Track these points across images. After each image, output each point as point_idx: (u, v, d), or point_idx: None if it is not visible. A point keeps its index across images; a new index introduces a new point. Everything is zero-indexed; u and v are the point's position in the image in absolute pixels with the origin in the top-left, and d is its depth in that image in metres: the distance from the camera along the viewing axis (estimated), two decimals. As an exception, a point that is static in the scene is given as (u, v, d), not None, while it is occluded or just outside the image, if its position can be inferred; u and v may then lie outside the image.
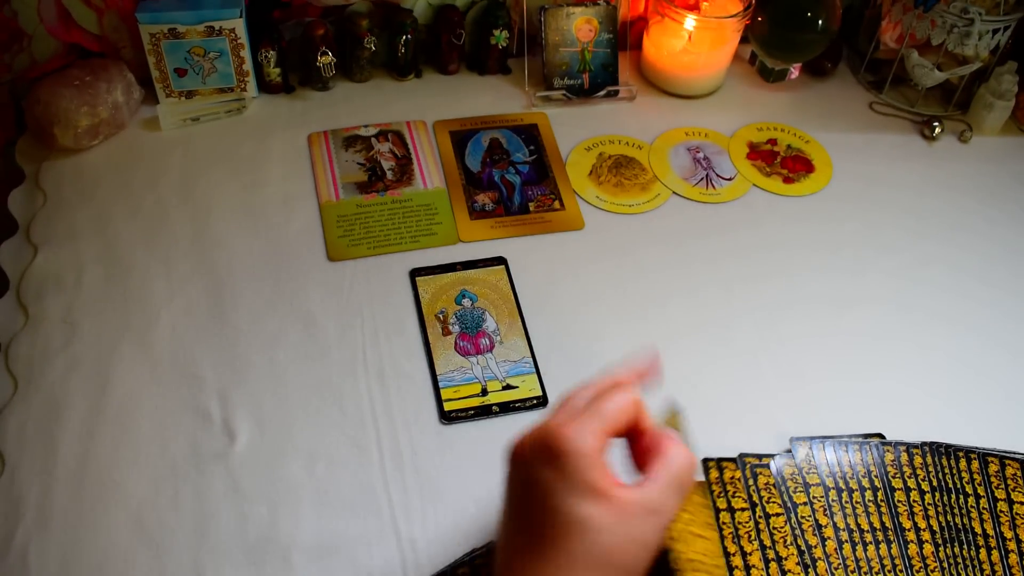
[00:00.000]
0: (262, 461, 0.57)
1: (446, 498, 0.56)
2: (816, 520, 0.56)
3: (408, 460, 0.58)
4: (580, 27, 0.84)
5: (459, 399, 0.62)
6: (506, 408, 0.62)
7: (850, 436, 0.61)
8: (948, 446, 0.61)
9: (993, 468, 0.60)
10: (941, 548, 0.56)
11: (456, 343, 0.65)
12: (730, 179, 0.80)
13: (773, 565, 0.54)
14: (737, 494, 0.56)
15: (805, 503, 0.57)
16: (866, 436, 0.61)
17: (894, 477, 0.59)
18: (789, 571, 0.54)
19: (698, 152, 0.82)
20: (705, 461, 0.58)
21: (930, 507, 0.58)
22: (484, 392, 0.62)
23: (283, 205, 0.73)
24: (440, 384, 0.62)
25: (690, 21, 0.82)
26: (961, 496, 0.59)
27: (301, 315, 0.65)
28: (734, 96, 0.89)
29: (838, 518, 0.57)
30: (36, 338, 0.62)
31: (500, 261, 0.70)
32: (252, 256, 0.69)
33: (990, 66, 0.86)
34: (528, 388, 0.63)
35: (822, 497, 0.57)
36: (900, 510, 0.58)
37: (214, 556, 0.53)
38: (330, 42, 0.80)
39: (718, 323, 0.68)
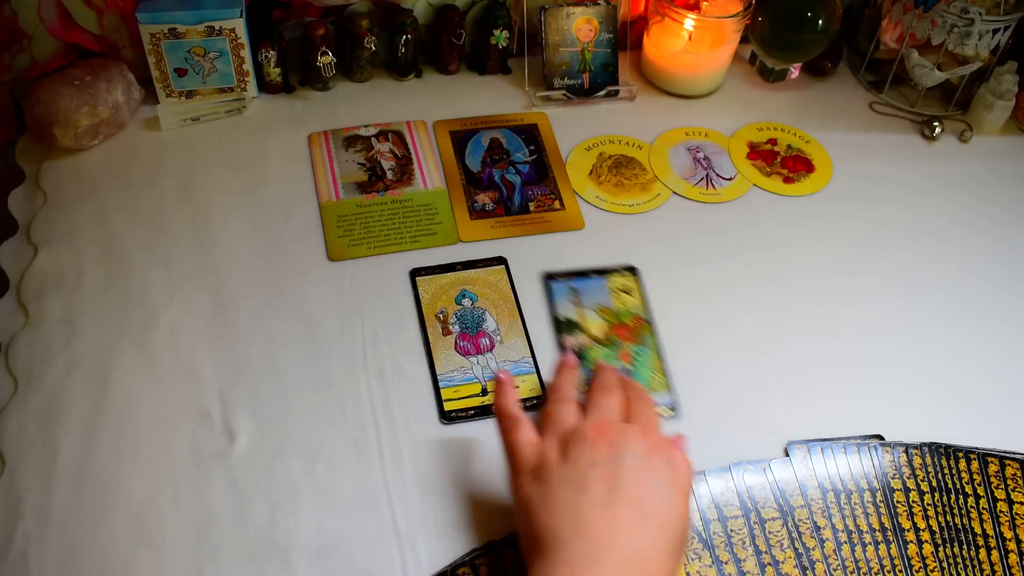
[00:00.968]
0: (262, 461, 0.57)
1: (446, 498, 0.56)
2: (814, 522, 0.57)
3: (408, 460, 0.58)
4: (580, 27, 0.84)
5: (459, 399, 0.62)
6: None
7: (848, 437, 0.61)
8: (948, 446, 0.61)
9: (993, 468, 0.60)
10: (941, 548, 0.56)
11: (456, 343, 0.65)
12: (730, 179, 0.80)
13: (770, 570, 0.54)
14: None
15: (803, 506, 0.57)
16: (865, 437, 0.61)
17: (893, 478, 0.59)
18: (787, 574, 0.54)
19: (698, 152, 0.82)
20: None
21: (929, 507, 0.58)
22: (484, 392, 0.62)
23: (283, 205, 0.73)
24: (440, 384, 0.62)
25: (690, 21, 0.82)
26: (961, 496, 0.59)
27: (301, 315, 0.65)
28: (734, 96, 0.89)
29: (836, 519, 0.57)
30: (36, 338, 0.62)
31: (500, 261, 0.70)
32: (252, 256, 0.69)
33: (990, 66, 0.86)
34: (528, 388, 0.63)
35: (820, 499, 0.57)
36: (899, 511, 0.58)
37: (214, 556, 0.53)
38: (330, 42, 0.80)
39: (717, 323, 0.68)
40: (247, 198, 0.73)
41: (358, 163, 0.77)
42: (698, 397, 0.63)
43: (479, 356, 0.65)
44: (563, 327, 0.66)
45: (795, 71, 0.90)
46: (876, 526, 0.57)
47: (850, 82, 0.92)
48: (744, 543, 0.55)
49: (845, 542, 0.56)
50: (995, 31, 0.81)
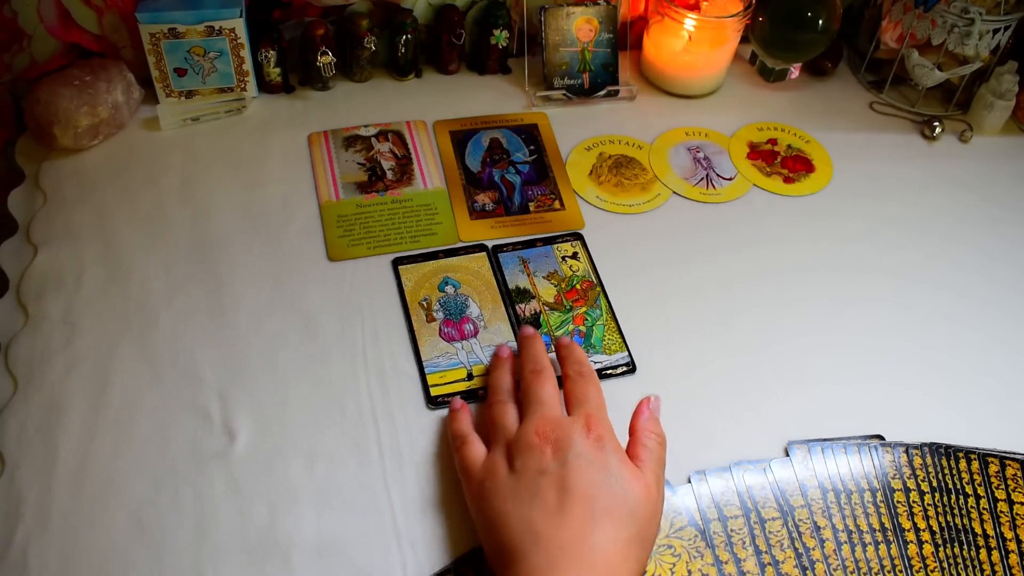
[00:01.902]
0: (262, 461, 0.57)
1: (446, 498, 0.56)
2: (814, 522, 0.56)
3: (409, 460, 0.58)
4: (580, 27, 0.84)
5: (445, 384, 0.62)
6: None
7: (849, 437, 0.61)
8: (948, 447, 0.61)
9: (993, 468, 0.60)
10: (941, 548, 0.56)
11: (440, 329, 0.65)
12: (730, 179, 0.80)
13: (770, 570, 0.54)
14: None
15: (803, 506, 0.57)
16: (866, 437, 0.61)
17: (893, 478, 0.59)
18: (787, 574, 0.54)
19: (698, 152, 0.82)
20: None
21: (930, 508, 0.58)
22: (470, 376, 0.63)
23: (283, 205, 0.73)
24: (426, 370, 0.63)
25: (690, 21, 0.82)
26: (961, 496, 0.59)
27: (301, 315, 0.65)
28: (734, 96, 0.89)
29: (837, 519, 0.57)
30: (36, 338, 0.62)
31: (482, 248, 0.71)
32: (252, 256, 0.69)
33: (990, 66, 0.86)
34: None
35: (820, 499, 0.57)
36: (900, 511, 0.58)
37: (214, 556, 0.53)
38: (330, 42, 0.80)
39: (717, 323, 0.68)
40: (247, 198, 0.73)
41: (358, 163, 0.77)
42: (698, 397, 0.63)
43: (463, 342, 0.65)
44: (515, 296, 0.68)
45: (795, 71, 0.90)
46: (876, 526, 0.57)
47: (850, 82, 0.92)
48: (744, 543, 0.55)
49: (845, 542, 0.56)
50: (995, 31, 0.81)
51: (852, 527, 0.57)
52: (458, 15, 0.82)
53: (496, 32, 0.83)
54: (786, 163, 0.82)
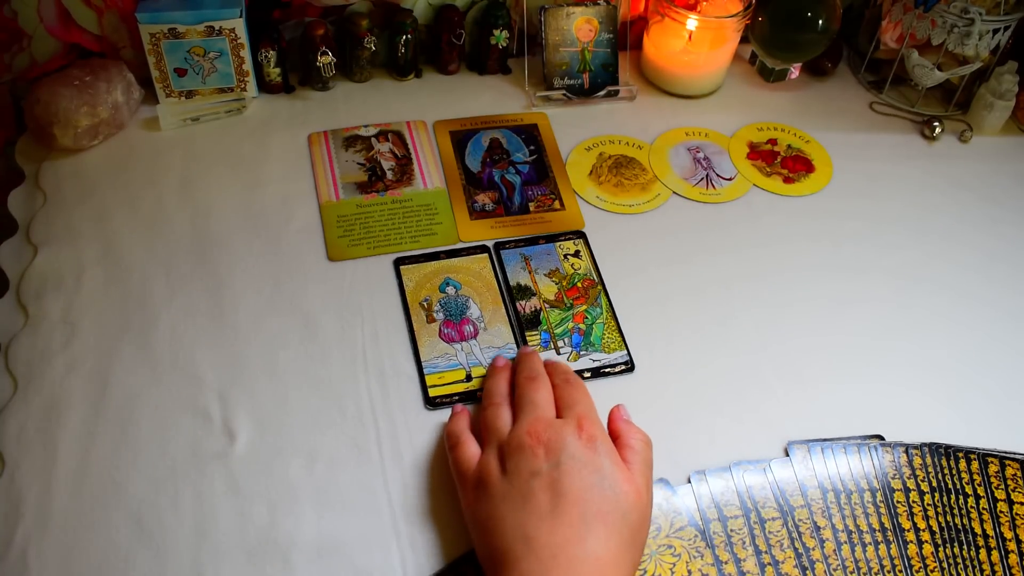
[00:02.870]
0: (262, 461, 0.57)
1: (447, 497, 0.56)
2: (814, 522, 0.57)
3: (408, 460, 0.58)
4: (580, 27, 0.84)
5: (444, 385, 0.62)
6: None
7: (849, 437, 0.61)
8: (948, 447, 0.61)
9: (993, 468, 0.60)
10: (941, 549, 0.56)
11: (440, 330, 0.65)
12: (730, 179, 0.80)
13: (770, 569, 0.54)
14: None
15: (803, 506, 0.57)
16: (865, 437, 0.61)
17: (893, 478, 0.59)
18: (787, 574, 0.54)
19: (698, 152, 0.82)
20: None
21: (930, 508, 0.58)
22: (469, 378, 0.63)
23: (283, 205, 0.73)
24: (425, 370, 0.63)
25: (691, 21, 0.82)
26: (961, 497, 0.59)
27: (301, 315, 0.65)
28: (734, 96, 0.89)
29: (836, 519, 0.57)
30: (36, 338, 0.62)
31: (483, 249, 0.71)
32: (252, 256, 0.69)
33: (990, 66, 0.86)
34: None
35: (820, 499, 0.57)
36: (900, 511, 0.58)
37: (214, 556, 0.53)
38: (330, 42, 0.80)
39: (717, 323, 0.68)
40: (247, 198, 0.73)
41: (358, 163, 0.77)
42: (698, 397, 0.63)
43: (463, 343, 0.65)
44: (516, 293, 0.68)
45: (795, 71, 0.90)
46: (876, 526, 0.57)
47: (850, 82, 0.92)
48: (744, 543, 0.55)
49: (845, 542, 0.56)
50: (995, 31, 0.81)
51: (852, 527, 0.57)
52: (458, 15, 0.82)
53: (496, 32, 0.83)
54: (786, 163, 0.82)
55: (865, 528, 0.57)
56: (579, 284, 0.69)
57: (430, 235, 0.72)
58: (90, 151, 0.75)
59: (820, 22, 0.82)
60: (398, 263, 0.69)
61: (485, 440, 0.55)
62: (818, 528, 0.56)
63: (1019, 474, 0.60)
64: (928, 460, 0.60)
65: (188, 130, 0.78)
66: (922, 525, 0.57)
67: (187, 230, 0.70)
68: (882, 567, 0.55)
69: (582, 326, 0.66)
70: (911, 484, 0.59)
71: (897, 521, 0.57)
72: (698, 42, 0.83)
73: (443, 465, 0.58)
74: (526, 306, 0.67)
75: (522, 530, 0.48)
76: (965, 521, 0.58)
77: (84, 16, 0.74)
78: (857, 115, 0.88)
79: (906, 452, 0.60)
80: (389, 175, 0.76)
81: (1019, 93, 0.85)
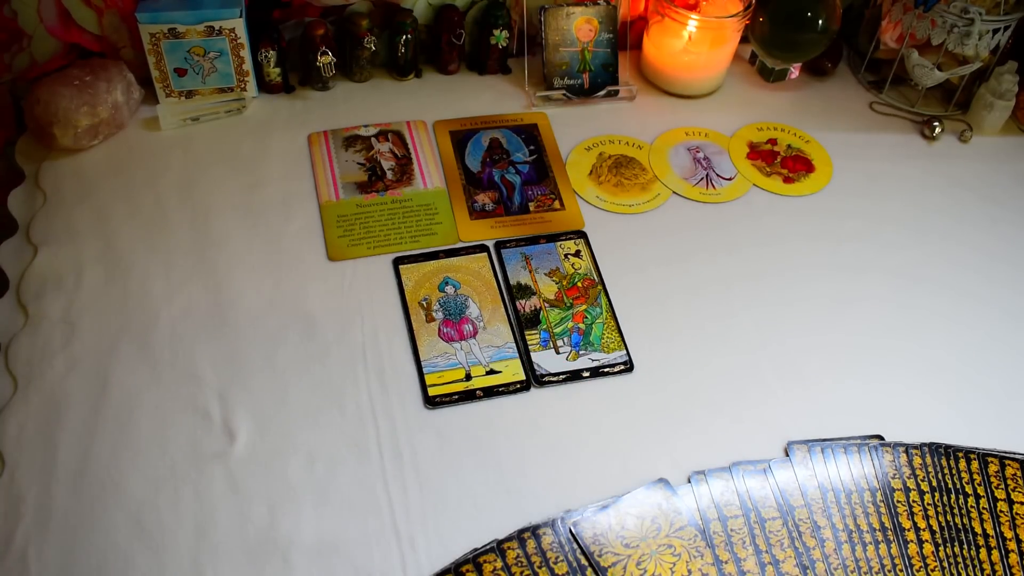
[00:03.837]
0: (262, 461, 0.57)
1: (446, 497, 0.56)
2: (814, 521, 0.56)
3: (408, 460, 0.58)
4: (580, 27, 0.84)
5: (443, 384, 0.62)
6: (490, 392, 0.62)
7: (849, 438, 0.61)
8: (948, 446, 0.61)
9: (993, 468, 0.60)
10: (941, 548, 0.56)
11: (440, 329, 0.65)
12: (730, 179, 0.80)
13: (770, 569, 0.54)
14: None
15: (803, 506, 0.57)
16: (865, 437, 0.61)
17: (893, 478, 0.59)
18: (787, 574, 0.54)
19: (698, 152, 0.82)
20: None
21: (930, 507, 0.58)
22: (468, 377, 0.63)
23: (283, 205, 0.73)
24: (424, 369, 0.63)
25: (691, 21, 0.82)
26: (961, 496, 0.59)
27: (301, 315, 0.65)
28: (734, 96, 0.89)
29: (836, 519, 0.57)
30: (36, 338, 0.62)
31: (482, 249, 0.71)
32: (252, 256, 0.69)
33: (990, 66, 0.86)
34: (511, 373, 0.64)
35: (820, 499, 0.57)
36: (900, 510, 0.58)
37: (214, 556, 0.53)
38: (330, 42, 0.80)
39: (717, 323, 0.68)
40: (247, 198, 0.73)
41: (358, 163, 0.77)
42: (698, 397, 0.63)
43: (462, 342, 0.65)
44: (516, 292, 0.68)
45: (795, 71, 0.90)
46: (876, 526, 0.57)
47: (850, 82, 0.92)
48: (744, 542, 0.55)
49: (845, 542, 0.56)
50: (995, 31, 0.81)
51: (852, 527, 0.57)
52: (458, 15, 0.82)
53: (496, 32, 0.83)
54: (786, 163, 0.82)
55: (865, 528, 0.57)
56: (579, 284, 0.69)
57: (430, 235, 0.72)
58: (90, 151, 0.75)
59: (820, 22, 0.82)
60: (397, 262, 0.69)
61: None
62: (818, 528, 0.56)
63: (1019, 474, 0.60)
64: (928, 460, 0.60)
65: (188, 130, 0.78)
66: (922, 525, 0.57)
67: (187, 230, 0.70)
68: (882, 566, 0.55)
69: (581, 325, 0.66)
70: (911, 484, 0.59)
71: (897, 521, 0.57)
72: (698, 42, 0.83)
73: (442, 464, 0.58)
74: (526, 305, 0.67)
75: None
76: (965, 521, 0.58)
77: (84, 16, 0.74)
78: (857, 115, 0.88)
79: (906, 452, 0.60)
80: (389, 175, 0.76)
81: (1019, 93, 0.85)
